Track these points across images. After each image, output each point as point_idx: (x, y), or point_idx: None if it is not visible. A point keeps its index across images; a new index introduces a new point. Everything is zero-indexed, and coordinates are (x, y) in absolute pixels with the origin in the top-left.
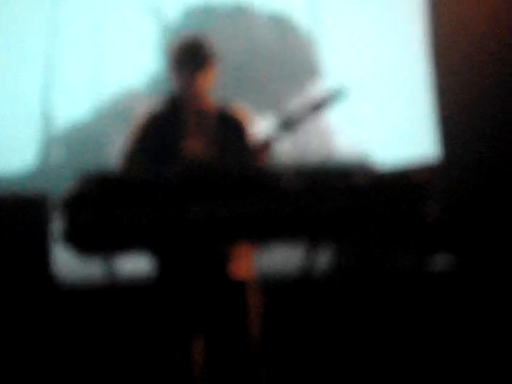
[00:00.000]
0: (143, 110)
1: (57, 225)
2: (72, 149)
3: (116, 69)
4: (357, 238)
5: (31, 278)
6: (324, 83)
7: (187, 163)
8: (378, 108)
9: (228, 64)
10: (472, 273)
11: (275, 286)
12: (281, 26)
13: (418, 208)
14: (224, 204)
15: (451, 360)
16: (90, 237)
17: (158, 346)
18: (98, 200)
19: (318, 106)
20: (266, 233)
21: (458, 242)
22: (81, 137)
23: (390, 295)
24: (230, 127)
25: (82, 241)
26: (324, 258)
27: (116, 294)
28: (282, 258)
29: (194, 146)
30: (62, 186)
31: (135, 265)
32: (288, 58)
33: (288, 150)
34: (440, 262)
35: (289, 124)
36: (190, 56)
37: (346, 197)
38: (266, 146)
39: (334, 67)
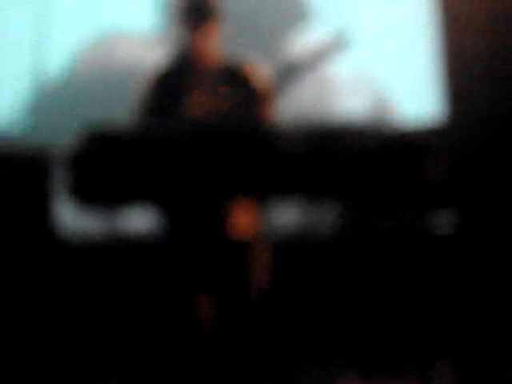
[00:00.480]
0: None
1: (59, 180)
2: (64, 102)
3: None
4: (360, 197)
5: (33, 234)
6: (321, 28)
7: (190, 120)
8: (380, 59)
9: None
10: (475, 233)
11: (280, 244)
12: None
13: (421, 169)
14: (227, 160)
15: (451, 316)
16: (94, 190)
17: (162, 304)
18: (102, 155)
19: (320, 55)
20: (268, 190)
21: (461, 202)
22: (71, 89)
23: (392, 254)
24: (236, 82)
25: (87, 194)
26: (327, 216)
27: (119, 251)
28: (286, 216)
29: (200, 103)
30: (56, 141)
31: (138, 221)
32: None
33: (292, 107)
34: (443, 221)
35: (290, 74)
36: (193, 10)
37: (350, 157)
38: (270, 97)
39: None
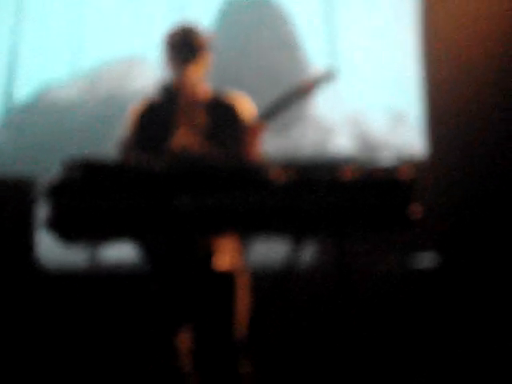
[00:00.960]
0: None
1: (41, 210)
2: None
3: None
4: (342, 233)
5: (14, 264)
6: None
7: (174, 154)
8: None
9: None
10: (456, 271)
11: (262, 279)
12: None
13: (403, 205)
14: (208, 195)
15: (434, 352)
16: (74, 224)
17: (141, 336)
18: (83, 187)
19: (307, 89)
20: (251, 225)
21: (442, 240)
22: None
23: (374, 292)
24: (220, 113)
25: (67, 228)
26: (309, 252)
27: (100, 282)
28: (269, 250)
29: (184, 137)
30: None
31: (120, 252)
32: None
33: (279, 144)
34: (425, 259)
35: (278, 107)
36: (181, 47)
37: (333, 192)
38: (257, 129)
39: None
